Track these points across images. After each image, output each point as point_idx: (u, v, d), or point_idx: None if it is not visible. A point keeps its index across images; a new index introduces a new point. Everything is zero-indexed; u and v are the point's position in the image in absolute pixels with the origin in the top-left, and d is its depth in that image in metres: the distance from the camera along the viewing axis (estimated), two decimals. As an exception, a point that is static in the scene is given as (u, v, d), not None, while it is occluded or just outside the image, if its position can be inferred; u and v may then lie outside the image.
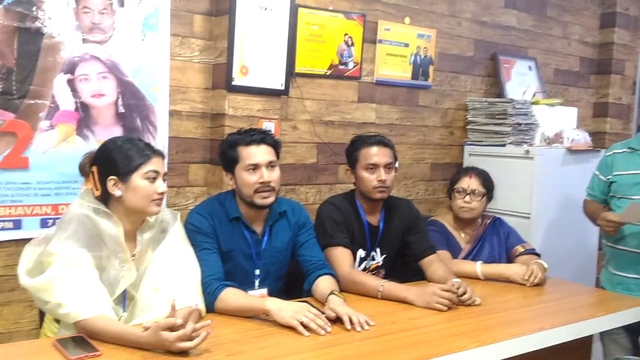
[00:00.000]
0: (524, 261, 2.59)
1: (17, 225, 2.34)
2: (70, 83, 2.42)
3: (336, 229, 2.37)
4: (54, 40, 2.37)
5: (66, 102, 2.41)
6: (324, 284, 2.08)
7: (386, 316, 1.97)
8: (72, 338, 1.64)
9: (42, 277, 1.73)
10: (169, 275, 1.86)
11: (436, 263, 2.43)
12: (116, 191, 1.80)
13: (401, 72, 3.43)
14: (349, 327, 1.81)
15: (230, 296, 1.91)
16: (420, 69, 3.49)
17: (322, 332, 1.76)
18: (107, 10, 2.48)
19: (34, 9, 2.32)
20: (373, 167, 2.39)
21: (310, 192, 3.13)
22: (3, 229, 2.32)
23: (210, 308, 1.91)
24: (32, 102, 2.34)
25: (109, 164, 1.82)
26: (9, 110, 2.29)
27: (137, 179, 1.81)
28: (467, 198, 2.65)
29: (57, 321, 1.86)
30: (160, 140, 2.66)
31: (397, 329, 1.88)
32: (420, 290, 2.13)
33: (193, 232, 2.06)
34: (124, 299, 1.87)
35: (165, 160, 2.55)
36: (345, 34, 3.16)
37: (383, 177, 2.37)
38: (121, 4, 2.51)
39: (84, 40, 2.44)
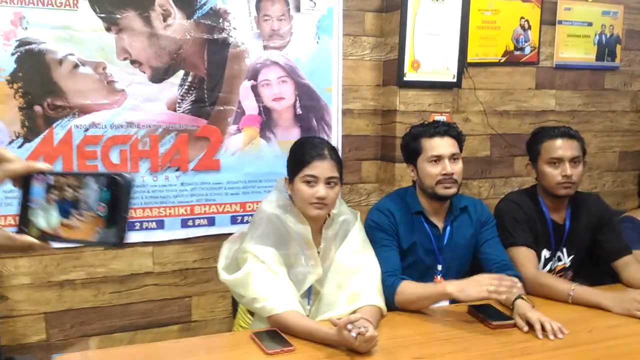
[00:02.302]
0: None
1: (211, 222, 2.56)
2: (254, 88, 2.57)
3: (518, 227, 2.25)
4: (238, 49, 2.53)
5: (251, 107, 2.57)
6: (509, 287, 1.99)
7: (580, 323, 1.84)
8: (267, 332, 1.74)
9: (238, 273, 1.86)
10: (352, 273, 1.92)
11: (633, 265, 2.22)
12: (289, 191, 1.94)
13: (584, 53, 3.15)
14: (540, 335, 1.72)
15: (409, 287, 1.92)
16: (606, 49, 3.19)
17: (514, 289, 1.78)
18: (285, 16, 2.60)
19: (221, 20, 2.49)
20: (557, 161, 2.24)
21: (483, 186, 3.02)
22: (199, 225, 2.54)
23: (391, 303, 1.93)
24: (222, 108, 2.52)
25: (287, 165, 1.98)
26: (202, 117, 2.50)
27: (298, 182, 1.90)
28: None
29: (251, 313, 2.00)
30: (334, 138, 2.73)
31: (594, 338, 1.75)
32: (617, 296, 1.96)
33: (373, 228, 2.09)
34: (309, 294, 1.96)
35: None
36: (521, 18, 2.98)
37: (568, 172, 2.21)
38: (297, 9, 2.61)
39: (265, 47, 2.58)
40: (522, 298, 1.89)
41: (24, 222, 0.80)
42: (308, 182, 1.88)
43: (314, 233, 1.94)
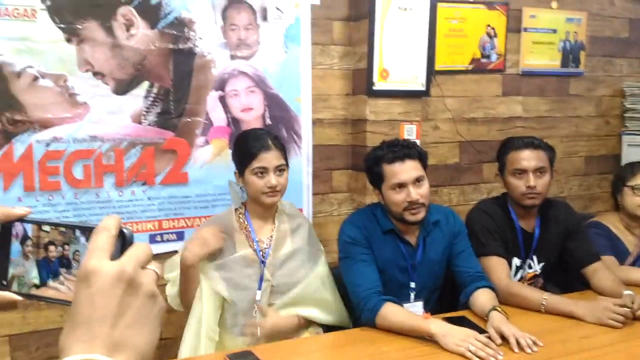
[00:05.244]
0: None
1: (180, 236, 2.49)
2: (222, 99, 2.52)
3: (489, 237, 2.26)
4: (205, 59, 2.48)
5: (219, 118, 2.52)
6: (483, 298, 1.99)
7: (554, 334, 1.85)
8: (242, 353, 1.72)
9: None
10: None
11: (602, 271, 2.25)
12: (240, 184, 2.10)
13: (549, 60, 3.20)
14: (516, 350, 1.71)
15: (392, 313, 1.88)
16: (570, 55, 3.23)
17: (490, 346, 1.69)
18: (252, 25, 2.55)
19: (186, 30, 2.43)
20: (521, 172, 2.25)
21: (453, 193, 3.03)
22: (168, 240, 2.48)
23: (370, 323, 1.90)
24: (189, 119, 2.47)
25: (234, 158, 2.14)
26: (168, 129, 2.44)
27: (248, 174, 2.03)
28: None
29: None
30: (304, 148, 2.70)
31: (569, 349, 1.76)
32: (589, 305, 1.98)
33: (349, 243, 2.06)
34: (260, 281, 2.06)
35: (308, 168, 2.66)
36: (487, 25, 3.01)
37: (532, 183, 2.22)
38: (264, 18, 2.57)
39: (232, 57, 2.53)
40: (497, 309, 1.90)
41: (3, 276, 0.70)
42: (258, 174, 2.01)
43: (263, 225, 2.11)
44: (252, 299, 1.99)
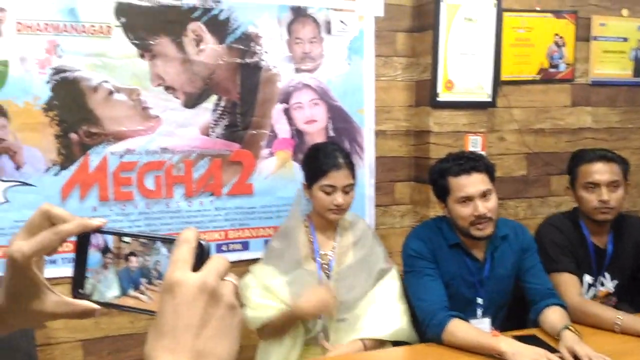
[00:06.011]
0: None
1: (245, 246, 2.54)
2: (286, 112, 2.56)
3: (559, 253, 2.20)
4: (270, 72, 2.52)
5: (283, 130, 2.55)
6: (554, 316, 1.93)
7: (629, 356, 1.78)
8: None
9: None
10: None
11: (681, 291, 2.15)
12: (307, 196, 2.12)
13: (620, 69, 3.08)
14: (591, 372, 1.66)
15: (460, 330, 1.84)
16: (643, 64, 3.11)
17: None
18: (316, 38, 2.58)
19: (253, 44, 2.48)
20: (593, 185, 2.18)
21: (520, 206, 2.96)
22: (234, 250, 2.53)
23: (436, 339, 1.88)
24: (254, 132, 2.51)
25: (304, 170, 2.17)
26: (235, 141, 2.49)
27: (316, 190, 2.04)
28: None
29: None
30: (367, 160, 2.70)
31: (647, 373, 1.69)
32: (669, 326, 1.89)
33: (413, 257, 2.05)
34: None
35: (371, 180, 2.66)
36: (555, 34, 2.93)
37: (605, 198, 2.14)
38: (328, 31, 2.59)
39: (297, 70, 2.56)
40: (569, 328, 1.84)
41: (80, 285, 0.71)
42: (326, 192, 2.02)
43: (326, 238, 2.12)
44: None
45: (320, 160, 2.04)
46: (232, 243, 2.52)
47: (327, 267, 2.05)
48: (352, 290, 2.04)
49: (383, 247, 2.21)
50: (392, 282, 2.11)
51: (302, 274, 2.03)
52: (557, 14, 2.92)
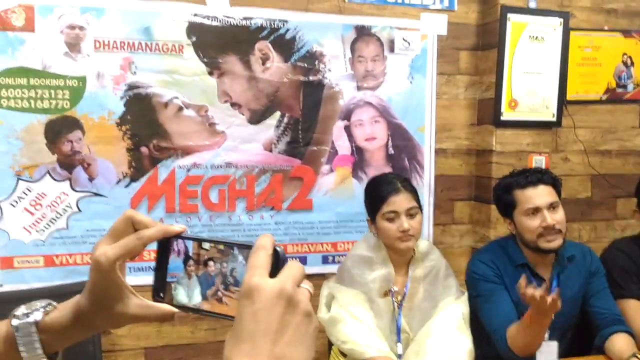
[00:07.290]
0: None
1: (303, 261, 2.56)
2: (347, 129, 2.59)
3: (627, 278, 2.12)
4: (333, 90, 2.56)
5: (343, 147, 2.58)
6: (621, 343, 1.87)
7: None
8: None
9: (326, 314, 1.93)
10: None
11: None
12: (373, 231, 2.01)
13: (693, 90, 2.97)
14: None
15: (512, 326, 1.85)
16: None
17: None
18: (379, 57, 2.61)
19: (317, 62, 2.53)
20: None
21: (584, 229, 2.88)
22: (292, 264, 2.55)
23: (505, 352, 1.88)
24: (315, 148, 2.55)
25: (366, 206, 2.05)
26: (296, 157, 2.54)
27: (380, 220, 1.96)
28: None
29: (343, 354, 1.99)
30: (426, 178, 2.70)
31: None
32: None
33: (478, 280, 2.02)
34: (398, 333, 1.96)
35: (430, 198, 2.65)
36: (624, 54, 2.86)
37: None
38: (391, 49, 2.62)
39: (358, 88, 2.60)
40: (637, 357, 1.77)
41: (161, 289, 0.73)
42: (389, 219, 1.93)
43: (398, 273, 2.01)
44: (394, 351, 1.93)
45: (380, 188, 1.98)
46: (291, 257, 2.55)
47: (398, 302, 1.98)
48: (423, 322, 1.98)
49: (456, 280, 2.09)
50: (455, 309, 2.00)
51: (380, 306, 1.96)
52: (626, 33, 2.85)
